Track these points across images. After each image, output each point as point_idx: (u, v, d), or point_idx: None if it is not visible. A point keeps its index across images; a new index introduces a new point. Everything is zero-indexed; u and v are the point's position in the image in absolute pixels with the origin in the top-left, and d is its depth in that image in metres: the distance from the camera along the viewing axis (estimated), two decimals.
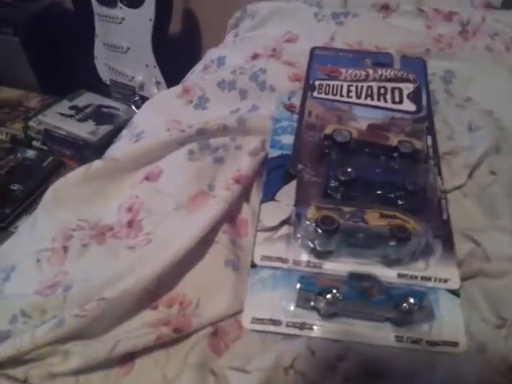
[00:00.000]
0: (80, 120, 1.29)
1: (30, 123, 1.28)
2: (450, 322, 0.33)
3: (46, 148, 1.27)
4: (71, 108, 1.32)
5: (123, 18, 1.24)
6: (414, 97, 0.51)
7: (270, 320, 0.33)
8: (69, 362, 0.31)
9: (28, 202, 1.08)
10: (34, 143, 1.29)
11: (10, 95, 1.42)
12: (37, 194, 1.09)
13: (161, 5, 1.19)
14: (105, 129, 1.25)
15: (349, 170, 0.38)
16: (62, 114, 1.29)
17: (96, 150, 1.20)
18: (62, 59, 1.42)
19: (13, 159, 1.22)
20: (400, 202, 0.38)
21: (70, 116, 1.29)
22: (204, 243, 0.37)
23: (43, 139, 1.27)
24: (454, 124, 0.50)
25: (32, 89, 1.43)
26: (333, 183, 0.38)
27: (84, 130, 1.24)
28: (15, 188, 1.13)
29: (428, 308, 0.33)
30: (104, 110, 1.33)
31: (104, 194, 0.44)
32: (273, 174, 0.43)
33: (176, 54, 1.25)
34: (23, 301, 0.35)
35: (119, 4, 1.22)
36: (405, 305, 0.31)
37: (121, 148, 0.51)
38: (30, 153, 1.22)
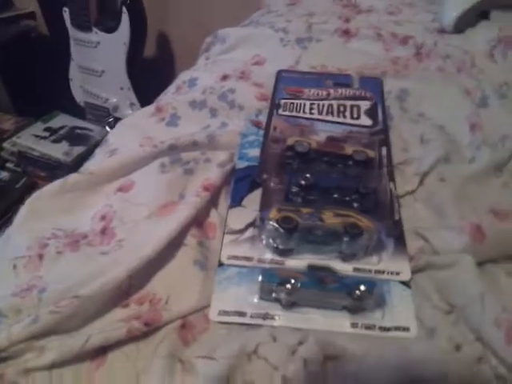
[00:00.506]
0: (54, 141, 1.30)
1: (4, 145, 1.28)
2: (401, 309, 0.36)
3: (19, 170, 1.27)
4: (45, 130, 1.33)
5: (98, 42, 1.27)
6: (371, 113, 0.56)
7: (236, 312, 0.35)
8: (44, 357, 0.32)
9: (1, 222, 1.08)
10: (8, 165, 1.29)
11: None
12: (9, 214, 1.09)
13: (135, 30, 1.23)
14: (79, 150, 1.27)
15: (308, 175, 0.41)
16: (36, 136, 1.30)
17: (70, 170, 1.20)
18: (37, 82, 1.44)
19: None
20: (355, 205, 0.41)
21: (44, 137, 1.31)
22: (174, 246, 0.40)
23: (17, 161, 1.28)
24: (408, 137, 0.54)
25: (6, 111, 1.44)
26: (294, 189, 0.42)
27: (58, 151, 1.26)
28: None
29: (379, 295, 0.36)
30: (78, 131, 1.35)
31: (79, 205, 0.46)
32: (240, 182, 0.46)
33: (150, 76, 1.29)
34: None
35: (94, 29, 1.26)
36: (357, 292, 0.34)
37: (96, 163, 0.53)
38: (4, 174, 1.22)
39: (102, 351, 0.34)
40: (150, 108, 0.60)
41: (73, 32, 1.31)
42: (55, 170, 1.24)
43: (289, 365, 0.32)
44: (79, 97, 1.42)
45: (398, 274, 0.38)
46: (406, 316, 0.36)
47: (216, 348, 0.33)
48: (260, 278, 0.35)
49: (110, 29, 1.25)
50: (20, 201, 1.15)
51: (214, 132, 0.53)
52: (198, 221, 0.42)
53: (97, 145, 0.61)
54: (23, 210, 0.45)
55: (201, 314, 0.36)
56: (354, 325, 0.35)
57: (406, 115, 0.58)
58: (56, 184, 0.47)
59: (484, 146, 0.52)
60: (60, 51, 1.38)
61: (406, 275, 0.38)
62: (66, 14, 1.30)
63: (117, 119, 1.33)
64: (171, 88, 0.68)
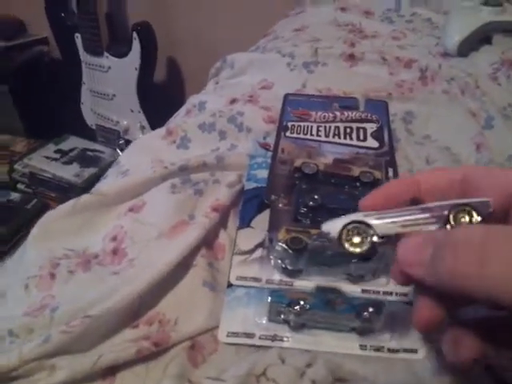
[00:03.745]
0: (65, 163, 1.33)
1: (16, 166, 1.31)
2: (409, 331, 0.36)
3: (30, 191, 1.30)
4: (56, 152, 1.36)
5: (109, 67, 1.31)
6: (377, 135, 0.56)
7: (244, 333, 0.36)
8: (55, 376, 0.33)
9: (12, 243, 1.10)
10: (19, 186, 1.31)
11: None
12: (20, 235, 1.10)
13: (146, 55, 1.26)
14: (89, 171, 1.29)
15: (316, 197, 0.42)
16: (47, 158, 1.33)
17: (81, 192, 1.21)
18: (49, 105, 1.48)
19: None
20: None
21: (56, 159, 1.33)
22: (183, 266, 0.40)
23: (28, 182, 1.30)
24: (414, 159, 0.55)
25: (18, 134, 1.47)
26: (302, 210, 0.42)
27: (69, 173, 1.28)
28: None
29: (388, 317, 0.36)
30: (89, 153, 1.38)
31: (90, 226, 0.47)
32: (248, 203, 0.47)
33: (160, 99, 1.32)
34: (11, 322, 0.37)
35: (106, 53, 1.30)
36: (365, 313, 0.34)
37: (107, 184, 0.54)
38: (15, 195, 1.24)
39: (111, 371, 0.34)
40: (161, 130, 0.61)
41: (84, 57, 1.35)
42: (66, 191, 1.26)
43: None
44: (90, 120, 1.45)
45: (405, 295, 0.38)
46: (413, 338, 0.36)
47: (225, 369, 0.33)
48: (269, 299, 0.36)
49: (121, 54, 1.29)
50: (31, 221, 1.17)
51: (222, 153, 0.54)
52: (208, 241, 0.43)
53: (108, 167, 0.62)
54: (35, 230, 0.46)
55: (210, 335, 0.36)
56: (362, 347, 0.35)
57: (411, 137, 0.59)
58: (68, 204, 0.48)
59: (491, 164, 0.52)
60: (72, 75, 1.41)
61: (413, 297, 0.38)
62: (78, 39, 1.34)
63: (127, 141, 1.35)
64: (181, 111, 0.69)
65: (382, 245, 0.27)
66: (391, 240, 0.26)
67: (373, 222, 0.26)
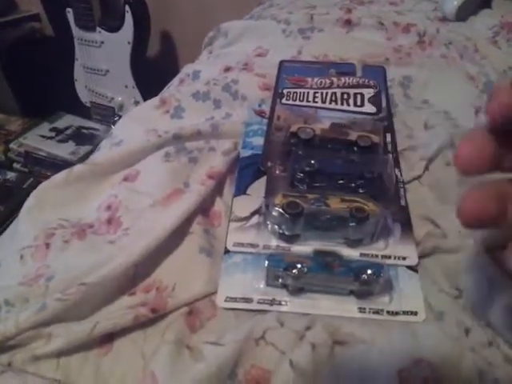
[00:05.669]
0: (60, 141, 1.31)
1: (11, 146, 1.30)
2: (409, 294, 0.36)
3: (26, 170, 1.29)
4: (51, 130, 1.35)
5: (102, 42, 1.28)
6: (375, 100, 0.55)
7: (243, 298, 0.35)
8: (51, 344, 0.32)
9: (8, 222, 1.09)
10: (15, 165, 1.30)
11: None
12: (17, 214, 1.09)
13: (139, 28, 1.23)
14: (85, 149, 1.28)
15: (312, 162, 0.41)
16: (42, 136, 1.32)
17: None
18: (43, 83, 1.45)
19: None
20: (361, 191, 0.41)
21: (51, 138, 1.32)
22: (179, 233, 0.40)
23: (24, 161, 1.29)
24: (412, 124, 0.54)
25: (13, 112, 1.45)
26: (298, 175, 0.42)
27: (64, 151, 1.27)
28: None
29: (386, 280, 0.35)
30: (84, 131, 1.36)
31: (84, 196, 0.46)
32: (244, 171, 0.46)
33: (154, 74, 1.29)
34: (7, 292, 0.36)
35: (98, 28, 1.27)
36: (364, 276, 0.34)
37: (101, 154, 0.53)
38: (11, 175, 1.23)
39: (109, 338, 0.34)
40: (154, 100, 0.60)
41: (77, 32, 1.32)
42: (62, 169, 1.25)
43: (296, 350, 0.32)
44: (84, 97, 1.42)
45: (404, 258, 0.38)
46: (413, 300, 0.36)
47: (223, 334, 0.33)
48: (266, 264, 0.35)
49: (114, 28, 1.26)
50: None
51: (217, 121, 0.53)
52: (204, 209, 0.42)
53: None
54: (29, 202, 0.45)
55: (208, 301, 0.36)
56: (361, 309, 0.35)
57: (410, 102, 0.57)
58: (61, 175, 0.47)
59: None
60: (65, 52, 1.38)
61: (413, 260, 0.38)
62: (70, 14, 1.31)
63: None
64: (175, 81, 0.68)
65: None
66: None
67: None
